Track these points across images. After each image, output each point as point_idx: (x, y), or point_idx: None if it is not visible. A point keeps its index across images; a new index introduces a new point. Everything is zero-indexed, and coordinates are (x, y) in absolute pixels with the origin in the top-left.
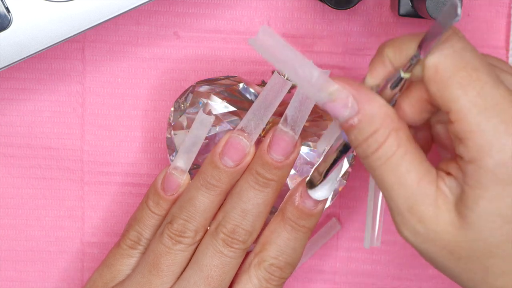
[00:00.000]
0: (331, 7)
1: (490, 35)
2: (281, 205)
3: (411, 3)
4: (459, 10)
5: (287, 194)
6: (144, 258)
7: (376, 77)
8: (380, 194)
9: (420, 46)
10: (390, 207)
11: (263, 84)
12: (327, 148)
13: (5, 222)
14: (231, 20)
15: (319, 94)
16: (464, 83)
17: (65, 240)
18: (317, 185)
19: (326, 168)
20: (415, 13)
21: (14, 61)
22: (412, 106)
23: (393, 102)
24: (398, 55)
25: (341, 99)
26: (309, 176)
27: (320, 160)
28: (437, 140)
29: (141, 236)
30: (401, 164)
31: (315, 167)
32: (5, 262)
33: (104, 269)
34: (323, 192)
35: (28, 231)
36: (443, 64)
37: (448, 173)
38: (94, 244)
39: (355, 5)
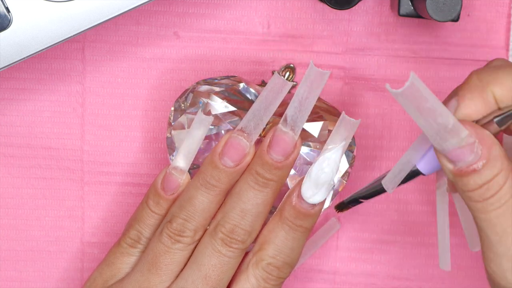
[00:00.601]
0: (331, 7)
1: (490, 35)
2: (279, 205)
3: (411, 3)
4: None
5: (285, 194)
6: (143, 256)
7: (473, 113)
8: (447, 218)
9: None
10: (495, 252)
11: (263, 84)
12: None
13: (5, 222)
14: (231, 20)
15: (452, 140)
16: None
17: (65, 240)
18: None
19: (365, 195)
20: (415, 13)
21: (14, 61)
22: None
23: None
24: (506, 94)
25: (470, 144)
26: (346, 199)
27: (366, 187)
28: None
29: (141, 235)
30: None
31: (358, 193)
32: (5, 262)
33: (104, 267)
34: (318, 196)
35: (28, 231)
36: None
37: None
38: (94, 244)
39: (355, 5)
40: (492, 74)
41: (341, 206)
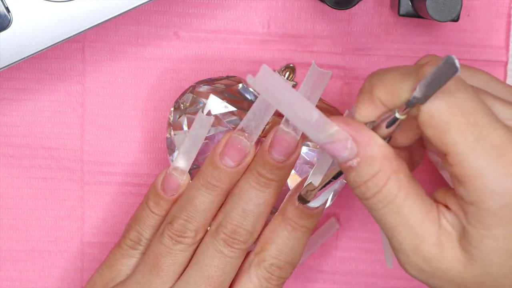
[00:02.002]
0: (331, 7)
1: (490, 35)
2: (281, 205)
3: (411, 3)
4: (457, 64)
5: (287, 194)
6: (144, 258)
7: (365, 116)
8: None
9: (417, 90)
10: (392, 245)
11: None
12: (319, 178)
13: (5, 222)
14: (231, 20)
15: (318, 135)
16: (462, 128)
17: (65, 240)
18: (309, 201)
19: (318, 189)
20: (415, 13)
21: (14, 61)
22: (402, 134)
23: (387, 139)
24: (390, 96)
25: (340, 140)
26: (301, 192)
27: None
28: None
29: (141, 236)
30: (404, 206)
31: (306, 184)
32: (5, 262)
33: (105, 269)
34: (316, 202)
35: (28, 231)
36: (439, 109)
37: (447, 207)
38: (94, 244)
39: (355, 5)
40: (378, 77)
41: (301, 199)
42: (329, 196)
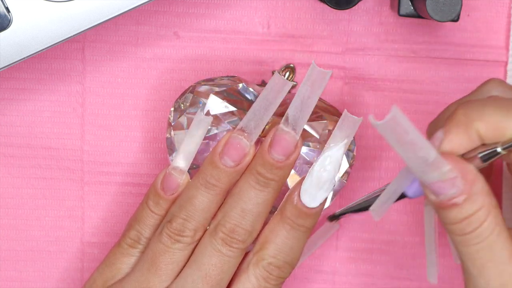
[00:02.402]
0: (331, 7)
1: (490, 35)
2: (280, 204)
3: (411, 3)
4: None
5: (286, 193)
6: (143, 256)
7: (456, 147)
8: (435, 232)
9: None
10: (476, 283)
11: (263, 84)
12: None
13: (5, 222)
14: (231, 20)
15: (432, 174)
16: None
17: (65, 240)
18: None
19: (357, 209)
20: (415, 13)
21: (14, 61)
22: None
23: None
24: (491, 132)
25: (452, 179)
26: (338, 212)
27: (357, 203)
28: None
29: (141, 236)
30: (497, 242)
31: (349, 208)
32: (5, 262)
33: (105, 267)
34: (320, 195)
35: (28, 231)
36: None
37: None
38: (94, 244)
39: (355, 5)
40: (478, 110)
41: (333, 218)
42: (328, 196)
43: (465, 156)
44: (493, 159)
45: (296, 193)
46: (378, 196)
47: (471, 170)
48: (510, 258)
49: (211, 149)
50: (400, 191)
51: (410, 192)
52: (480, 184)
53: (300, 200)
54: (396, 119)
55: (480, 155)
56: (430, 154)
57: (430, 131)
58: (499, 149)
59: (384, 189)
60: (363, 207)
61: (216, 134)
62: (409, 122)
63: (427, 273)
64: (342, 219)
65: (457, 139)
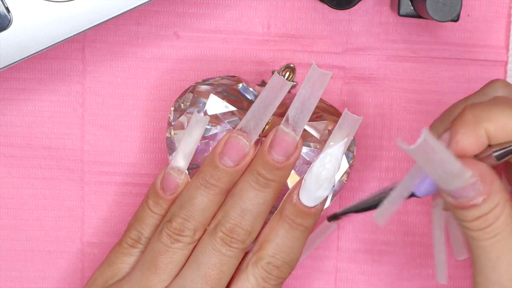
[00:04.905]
0: (331, 7)
1: (490, 35)
2: (280, 203)
3: (411, 3)
4: None
5: (286, 193)
6: (143, 256)
7: (466, 147)
8: (444, 232)
9: None
10: (487, 277)
11: (263, 84)
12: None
13: (5, 222)
14: (231, 20)
15: (455, 183)
16: None
17: (65, 240)
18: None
19: (358, 210)
20: (415, 13)
21: (14, 61)
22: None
23: None
24: (500, 132)
25: (473, 184)
26: (339, 212)
27: (359, 203)
28: None
29: (141, 235)
30: (510, 236)
31: (350, 208)
32: (5, 262)
33: (105, 267)
34: (319, 193)
35: (28, 231)
36: None
37: None
38: (94, 244)
39: (355, 5)
40: (486, 111)
41: (333, 217)
42: (328, 196)
43: (480, 157)
44: (506, 158)
45: (295, 192)
46: (381, 197)
47: (489, 171)
48: None
49: (211, 149)
50: (407, 194)
51: (419, 192)
52: (497, 183)
53: (299, 199)
54: (427, 142)
55: (495, 154)
56: (455, 167)
57: (434, 130)
58: None
59: (387, 190)
60: (364, 208)
61: (216, 134)
62: (437, 141)
63: (436, 274)
64: (343, 220)
65: (466, 140)
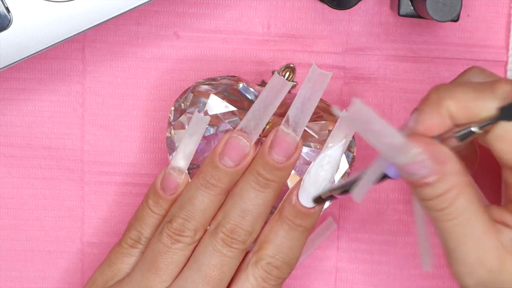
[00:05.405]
0: (331, 7)
1: (490, 35)
2: (279, 204)
3: (411, 3)
4: None
5: (286, 194)
6: (143, 256)
7: (429, 127)
8: (425, 220)
9: (501, 110)
10: (455, 257)
11: (263, 84)
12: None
13: (5, 222)
14: (231, 20)
15: (401, 157)
16: None
17: (65, 240)
18: (324, 200)
19: (341, 191)
20: (415, 13)
21: (14, 61)
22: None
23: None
24: (462, 111)
25: (421, 161)
26: (320, 193)
27: (339, 183)
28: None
29: (141, 235)
30: (471, 218)
31: (332, 187)
32: (5, 262)
33: (105, 267)
34: (309, 202)
35: (28, 231)
36: None
37: (504, 224)
38: (94, 244)
39: (355, 5)
40: (449, 90)
41: (317, 200)
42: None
43: (443, 137)
44: (468, 139)
45: (294, 193)
46: (358, 178)
47: (443, 151)
48: (485, 233)
49: (211, 149)
50: (379, 172)
51: (391, 173)
52: (451, 165)
53: (298, 200)
54: (359, 112)
55: (456, 134)
56: (397, 140)
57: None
58: (473, 129)
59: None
60: (346, 189)
61: (216, 134)
62: (373, 112)
63: (421, 261)
64: (342, 220)
65: (429, 119)
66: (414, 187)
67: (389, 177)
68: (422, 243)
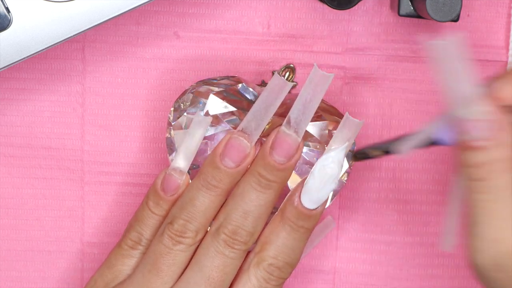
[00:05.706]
0: (331, 7)
1: (490, 35)
2: (281, 205)
3: (411, 3)
4: None
5: (287, 195)
6: (144, 258)
7: (503, 94)
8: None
9: None
10: (473, 231)
11: (263, 84)
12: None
13: (5, 222)
14: (231, 20)
15: (464, 109)
16: None
17: (65, 240)
18: (367, 157)
19: (382, 151)
20: (415, 13)
21: (14, 61)
22: None
23: None
24: None
25: (480, 120)
26: (364, 149)
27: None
28: None
29: (142, 237)
30: (505, 198)
31: (374, 145)
32: (5, 262)
33: (105, 269)
34: (321, 195)
35: (28, 231)
36: None
37: None
38: (94, 244)
39: (355, 5)
40: None
41: (355, 157)
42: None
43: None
44: None
45: (296, 194)
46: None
47: (503, 120)
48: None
49: (211, 149)
50: (431, 134)
51: (443, 135)
52: (507, 137)
53: (301, 202)
54: (454, 46)
55: None
56: (469, 88)
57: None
58: None
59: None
60: (387, 150)
61: (216, 134)
62: (463, 54)
63: (442, 241)
64: (341, 220)
65: (504, 87)
66: (463, 150)
67: (436, 144)
68: (450, 223)
